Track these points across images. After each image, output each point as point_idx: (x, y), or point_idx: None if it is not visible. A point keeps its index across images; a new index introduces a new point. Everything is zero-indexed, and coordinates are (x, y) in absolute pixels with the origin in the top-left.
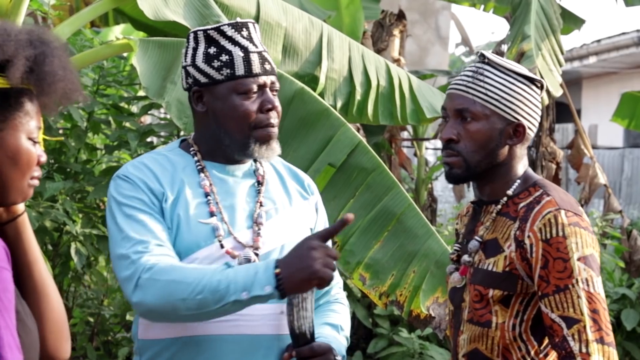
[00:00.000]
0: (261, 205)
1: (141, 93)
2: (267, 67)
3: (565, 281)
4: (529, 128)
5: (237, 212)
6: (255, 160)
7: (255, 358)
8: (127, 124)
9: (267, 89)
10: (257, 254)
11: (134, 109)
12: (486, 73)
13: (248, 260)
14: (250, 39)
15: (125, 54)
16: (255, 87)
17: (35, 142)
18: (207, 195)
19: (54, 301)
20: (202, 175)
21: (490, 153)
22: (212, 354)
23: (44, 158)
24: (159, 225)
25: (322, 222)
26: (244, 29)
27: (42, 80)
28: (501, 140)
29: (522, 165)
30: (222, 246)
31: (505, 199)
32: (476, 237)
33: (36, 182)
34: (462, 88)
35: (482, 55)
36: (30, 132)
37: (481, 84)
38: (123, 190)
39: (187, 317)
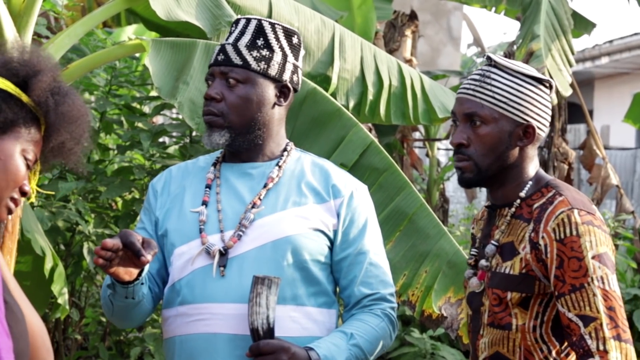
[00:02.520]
0: (253, 207)
1: (153, 93)
2: (220, 57)
3: (580, 280)
4: (539, 128)
5: (232, 210)
6: (278, 162)
7: (231, 358)
8: (140, 124)
9: (216, 79)
10: (223, 253)
11: (146, 109)
12: (493, 76)
13: (207, 252)
14: (232, 32)
15: (137, 55)
16: (209, 77)
17: (28, 166)
18: (207, 187)
19: (29, 319)
20: (212, 169)
21: (500, 156)
22: (192, 353)
23: (27, 188)
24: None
25: (348, 227)
26: (235, 25)
27: (59, 105)
28: (511, 142)
29: (533, 167)
30: (200, 231)
31: (518, 201)
32: (492, 242)
33: (13, 207)
34: (470, 92)
35: (489, 58)
36: (26, 150)
37: (488, 87)
38: (145, 201)
39: (116, 319)
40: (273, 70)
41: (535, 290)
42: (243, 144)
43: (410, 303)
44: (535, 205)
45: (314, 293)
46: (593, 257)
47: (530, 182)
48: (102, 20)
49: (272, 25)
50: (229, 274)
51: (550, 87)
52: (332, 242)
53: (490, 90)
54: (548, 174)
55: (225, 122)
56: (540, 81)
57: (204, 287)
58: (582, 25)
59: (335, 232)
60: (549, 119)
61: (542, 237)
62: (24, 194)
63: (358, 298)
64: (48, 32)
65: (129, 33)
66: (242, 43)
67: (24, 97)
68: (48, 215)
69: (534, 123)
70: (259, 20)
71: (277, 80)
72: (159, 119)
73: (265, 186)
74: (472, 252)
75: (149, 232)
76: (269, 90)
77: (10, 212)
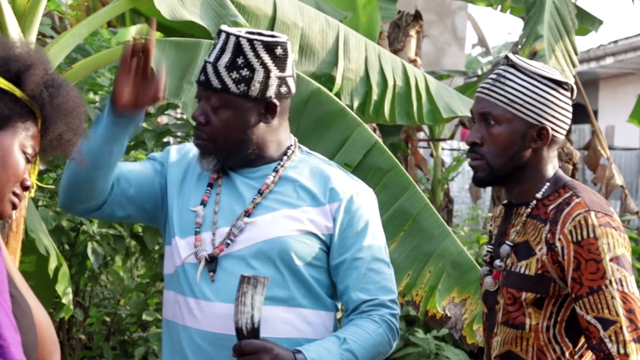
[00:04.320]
0: (246, 214)
1: None
2: (202, 78)
3: (598, 282)
4: (555, 130)
5: (229, 210)
6: (276, 167)
7: (217, 357)
8: (144, 124)
9: (201, 100)
10: (209, 260)
11: (151, 109)
12: (509, 76)
13: (195, 255)
14: (215, 46)
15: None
16: (198, 95)
17: (27, 160)
18: (209, 186)
19: (35, 312)
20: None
21: (513, 156)
22: (179, 342)
23: (29, 182)
24: (140, 169)
25: (344, 232)
26: (218, 37)
27: (53, 97)
28: (524, 143)
29: (551, 167)
30: (196, 232)
31: (534, 202)
32: (507, 242)
33: (17, 201)
34: (486, 92)
35: (507, 58)
36: (24, 145)
37: (503, 87)
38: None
39: (68, 178)
40: (254, 91)
41: (550, 291)
42: (236, 162)
43: (414, 303)
44: (551, 207)
45: (306, 295)
46: (611, 260)
47: (548, 183)
48: (106, 20)
49: (251, 42)
50: (219, 273)
51: (572, 90)
52: (328, 246)
53: (505, 90)
54: None
55: (213, 147)
56: (558, 83)
57: (194, 284)
58: (589, 22)
59: (331, 236)
60: (568, 121)
61: (559, 239)
62: (25, 188)
63: (356, 303)
64: (52, 32)
65: (134, 33)
66: (222, 63)
67: (18, 92)
68: (52, 215)
69: (549, 125)
70: (237, 38)
71: (260, 100)
72: (163, 119)
73: (260, 193)
74: (487, 249)
75: (155, 167)
76: (252, 111)
77: (14, 207)
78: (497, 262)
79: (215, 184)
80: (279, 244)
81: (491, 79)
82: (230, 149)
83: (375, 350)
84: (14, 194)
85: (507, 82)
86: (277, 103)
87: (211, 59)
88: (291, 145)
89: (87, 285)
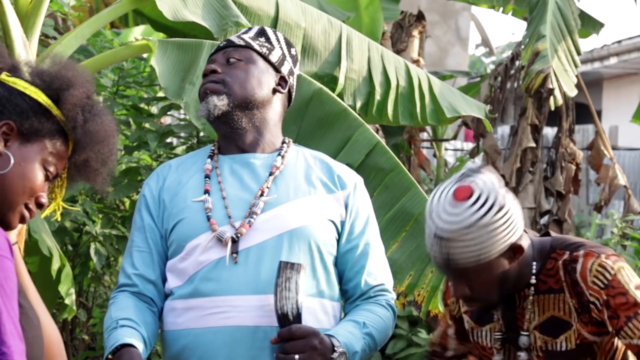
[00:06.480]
0: (262, 195)
1: (161, 94)
2: (223, 44)
3: (633, 309)
4: (520, 237)
5: (238, 198)
6: (280, 152)
7: (252, 350)
8: (147, 125)
9: (217, 61)
10: (235, 240)
11: (154, 109)
12: (454, 243)
13: (220, 240)
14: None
15: (144, 55)
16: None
17: (47, 178)
18: (206, 177)
19: (46, 327)
20: (208, 160)
21: (504, 284)
22: (209, 347)
23: (44, 199)
24: (146, 249)
25: (355, 218)
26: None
27: (87, 122)
28: (507, 269)
29: (528, 252)
30: (208, 218)
31: (534, 280)
32: (522, 332)
33: (27, 216)
34: (457, 260)
35: (437, 236)
36: (47, 162)
37: (459, 251)
38: (138, 203)
39: None
40: (274, 57)
41: (597, 353)
42: (241, 119)
43: (417, 303)
44: (559, 273)
45: (327, 284)
46: (636, 288)
47: (534, 262)
48: (109, 21)
49: (274, 30)
50: (248, 265)
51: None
52: (339, 234)
53: (465, 253)
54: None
55: (225, 88)
56: (490, 207)
57: (221, 280)
58: (590, 25)
59: (343, 223)
60: (521, 220)
61: (590, 294)
62: (40, 205)
63: (364, 289)
64: (55, 33)
65: (136, 34)
66: (246, 35)
67: (54, 110)
68: None
69: (515, 239)
70: (262, 27)
71: (276, 69)
72: (166, 120)
73: (271, 174)
74: (495, 336)
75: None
76: (269, 73)
77: (23, 220)
78: (522, 355)
79: (213, 175)
80: (308, 232)
81: (441, 253)
82: (241, 97)
83: (385, 333)
84: (27, 207)
85: (459, 249)
86: (288, 82)
87: (234, 36)
88: (286, 138)
89: (90, 286)
